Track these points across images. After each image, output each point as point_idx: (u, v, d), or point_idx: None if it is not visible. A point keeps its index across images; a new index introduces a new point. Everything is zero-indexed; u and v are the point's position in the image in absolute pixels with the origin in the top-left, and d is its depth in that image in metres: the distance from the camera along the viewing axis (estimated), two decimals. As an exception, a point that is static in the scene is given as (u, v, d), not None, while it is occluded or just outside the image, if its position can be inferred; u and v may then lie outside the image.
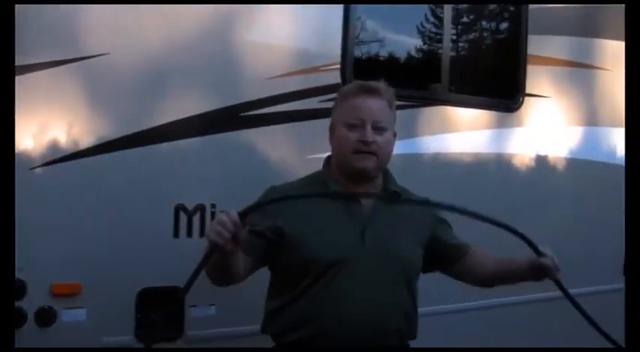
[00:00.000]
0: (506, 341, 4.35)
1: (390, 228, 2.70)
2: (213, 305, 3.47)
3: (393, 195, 2.78)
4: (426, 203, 2.81)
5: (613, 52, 5.24)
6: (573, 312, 2.78)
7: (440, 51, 4.33)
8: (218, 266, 2.48)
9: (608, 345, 2.87)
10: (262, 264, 2.72)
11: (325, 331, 2.59)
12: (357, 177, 2.73)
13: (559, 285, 2.76)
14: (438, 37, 4.33)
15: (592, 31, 5.10)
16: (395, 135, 2.82)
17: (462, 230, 2.99)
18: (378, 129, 2.70)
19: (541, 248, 2.71)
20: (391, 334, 2.69)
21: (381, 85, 2.78)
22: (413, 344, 2.88)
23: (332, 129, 2.80)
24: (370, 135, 2.66)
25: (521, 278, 2.86)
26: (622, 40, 5.19)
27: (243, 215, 2.33)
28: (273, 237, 2.64)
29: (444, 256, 2.92)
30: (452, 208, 2.50)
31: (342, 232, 2.66)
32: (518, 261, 2.81)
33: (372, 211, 2.71)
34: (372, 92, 2.74)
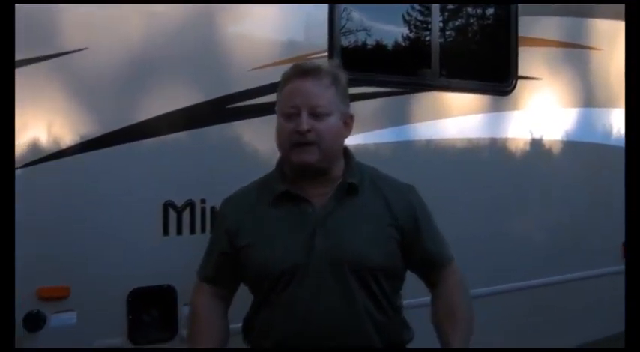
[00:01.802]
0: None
1: (343, 226, 2.42)
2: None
3: (346, 189, 2.47)
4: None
5: (604, 31, 5.20)
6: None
7: (429, 36, 4.27)
8: None
9: (608, 345, 2.82)
10: (238, 283, 2.63)
11: (283, 342, 2.43)
12: (302, 173, 2.46)
13: None
14: (427, 21, 4.27)
15: (583, 11, 5.03)
16: (351, 117, 2.52)
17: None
18: (317, 115, 2.39)
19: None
20: (351, 342, 2.40)
21: (320, 63, 2.52)
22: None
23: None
24: (305, 123, 2.37)
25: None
26: (613, 19, 5.16)
27: None
28: (231, 253, 2.52)
29: (413, 261, 2.57)
30: None
31: (291, 237, 2.41)
32: (447, 339, 2.49)
33: (324, 210, 2.43)
34: (307, 73, 2.43)
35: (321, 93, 2.41)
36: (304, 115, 2.38)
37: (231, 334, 3.37)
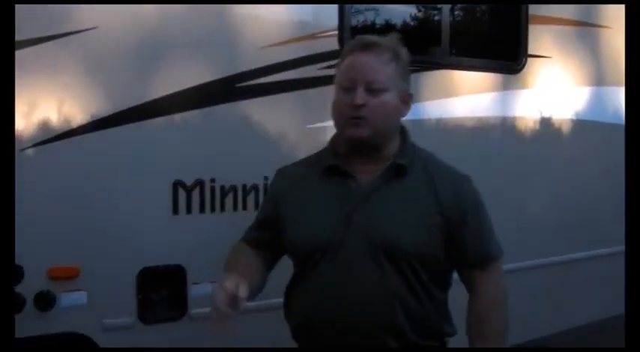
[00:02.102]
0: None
1: (384, 206, 2.35)
2: (216, 282, 3.40)
3: (395, 169, 2.40)
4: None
5: (613, 9, 5.15)
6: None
7: (439, 14, 4.23)
8: None
9: (608, 345, 2.81)
10: (281, 251, 2.55)
11: (309, 321, 2.39)
12: (355, 148, 2.40)
13: None
14: (437, -1, 4.24)
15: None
16: (409, 95, 2.45)
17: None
18: (372, 90, 2.33)
19: None
20: (379, 328, 2.32)
21: (380, 38, 2.43)
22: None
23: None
24: (360, 97, 2.31)
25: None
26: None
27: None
28: (274, 219, 2.50)
29: (452, 254, 2.44)
30: None
31: (330, 213, 2.36)
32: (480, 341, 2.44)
33: (369, 187, 2.37)
34: (369, 47, 2.38)
35: (380, 68, 2.35)
36: (360, 90, 2.32)
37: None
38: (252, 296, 2.31)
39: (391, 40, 2.44)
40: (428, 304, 2.38)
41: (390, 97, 2.36)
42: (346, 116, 2.35)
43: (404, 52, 2.43)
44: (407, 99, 2.45)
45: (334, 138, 2.50)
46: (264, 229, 2.56)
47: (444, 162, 2.51)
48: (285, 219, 2.45)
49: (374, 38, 2.44)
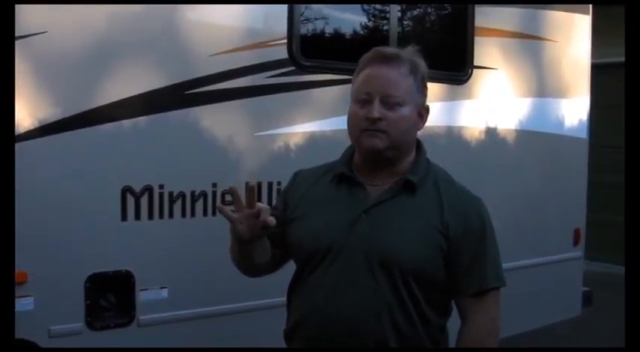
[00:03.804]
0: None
1: (387, 219, 2.32)
2: (164, 287, 3.41)
3: (403, 184, 2.36)
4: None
5: (559, 23, 5.27)
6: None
7: (387, 25, 4.29)
8: (238, 253, 2.41)
9: (608, 345, 2.85)
10: (285, 251, 2.53)
11: (298, 326, 2.40)
12: (370, 159, 2.37)
13: None
14: (385, 10, 4.28)
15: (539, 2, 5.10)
16: (426, 109, 2.41)
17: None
18: (390, 104, 2.29)
19: None
20: (364, 338, 2.29)
21: (399, 50, 2.40)
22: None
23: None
24: (377, 111, 2.27)
25: None
26: (568, 12, 5.25)
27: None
28: (281, 216, 2.47)
29: (448, 279, 2.37)
30: None
31: (334, 220, 2.35)
32: None
33: (376, 200, 2.35)
34: (388, 59, 2.33)
35: (398, 81, 2.31)
36: (376, 103, 2.28)
37: (187, 319, 3.42)
38: (257, 239, 2.32)
39: (410, 52, 2.39)
40: (419, 325, 2.32)
41: (407, 111, 2.33)
42: (361, 127, 2.31)
43: (422, 65, 2.39)
44: (423, 113, 2.42)
45: (348, 150, 2.49)
46: (278, 225, 2.49)
47: (456, 183, 2.46)
48: (292, 220, 2.45)
49: (393, 50, 2.43)
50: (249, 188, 2.22)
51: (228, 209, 2.27)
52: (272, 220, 2.21)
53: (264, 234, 2.29)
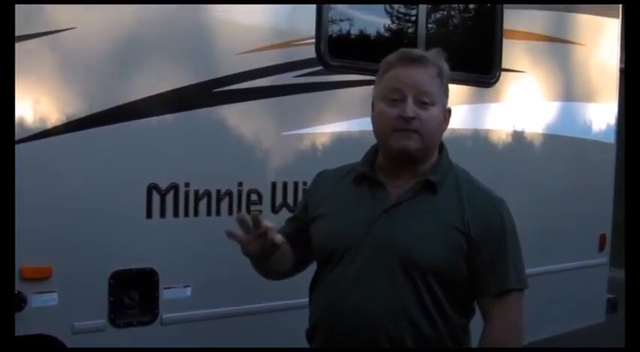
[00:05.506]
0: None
1: (406, 219, 2.32)
2: (188, 286, 3.41)
3: (423, 184, 2.36)
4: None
5: (588, 26, 5.22)
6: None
7: (414, 27, 4.26)
8: (257, 267, 2.45)
9: (608, 345, 2.82)
10: (308, 250, 2.52)
11: (318, 325, 2.41)
12: (398, 159, 2.36)
13: None
14: (413, 11, 4.26)
15: (568, 5, 5.06)
16: (449, 111, 2.41)
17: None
18: (422, 103, 2.29)
19: None
20: (379, 337, 2.28)
21: (428, 53, 2.41)
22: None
23: (372, 105, 2.42)
24: (411, 110, 2.27)
25: None
26: (597, 15, 5.20)
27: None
28: (302, 218, 2.53)
29: (471, 280, 2.36)
30: None
31: (354, 219, 2.35)
32: None
33: (396, 199, 2.35)
34: (416, 61, 2.33)
35: (428, 82, 2.32)
36: (410, 102, 2.29)
37: (210, 318, 3.41)
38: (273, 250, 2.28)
39: (436, 55, 2.40)
40: (441, 326, 2.31)
41: (436, 111, 2.34)
42: (393, 127, 2.31)
43: (446, 68, 2.39)
44: (447, 115, 2.42)
45: (371, 149, 2.48)
46: (293, 223, 2.58)
47: (479, 183, 2.46)
48: (313, 219, 2.46)
49: (420, 52, 2.46)
50: (254, 217, 2.21)
51: (238, 232, 2.25)
52: (279, 238, 2.22)
53: (274, 251, 2.27)
